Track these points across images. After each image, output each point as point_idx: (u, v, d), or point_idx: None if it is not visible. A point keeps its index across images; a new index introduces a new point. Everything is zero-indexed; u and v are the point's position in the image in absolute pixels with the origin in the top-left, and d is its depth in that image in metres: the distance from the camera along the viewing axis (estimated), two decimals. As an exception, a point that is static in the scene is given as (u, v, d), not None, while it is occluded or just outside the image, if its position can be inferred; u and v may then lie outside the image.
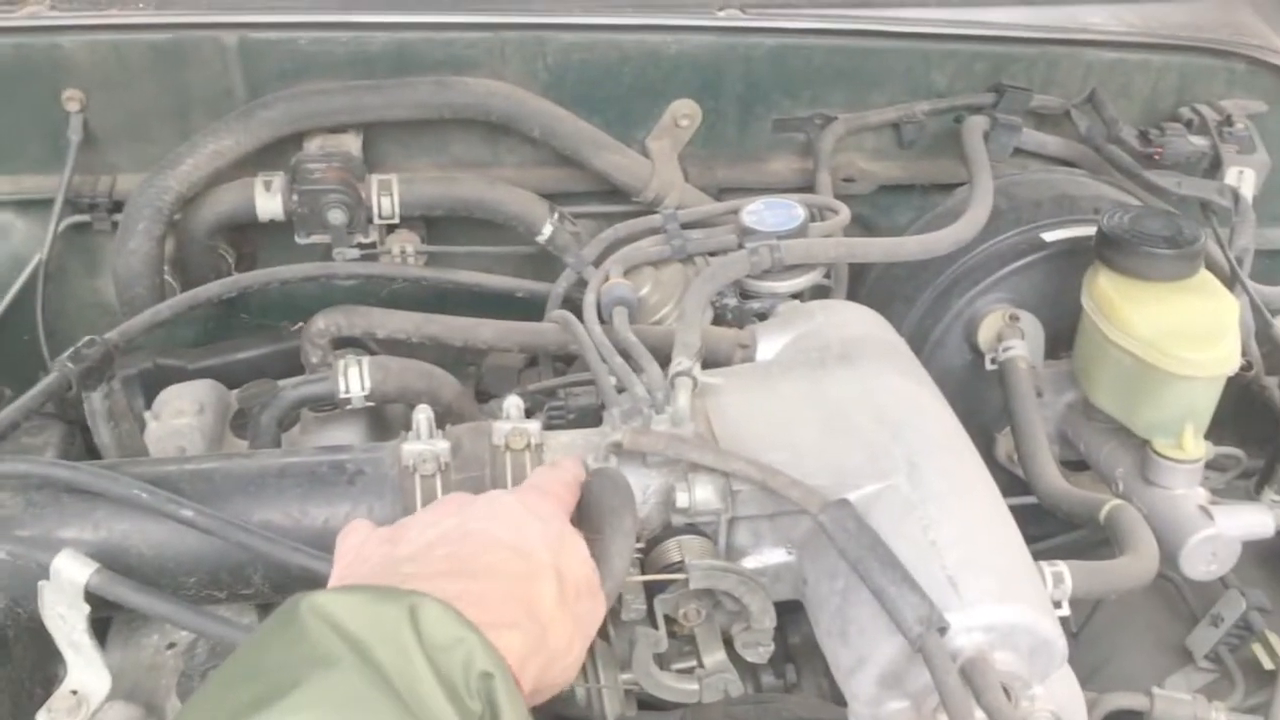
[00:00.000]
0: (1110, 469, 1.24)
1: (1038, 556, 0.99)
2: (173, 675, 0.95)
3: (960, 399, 1.31)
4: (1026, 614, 0.84)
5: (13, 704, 0.89)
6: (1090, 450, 1.29)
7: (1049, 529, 1.26)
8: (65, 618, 0.87)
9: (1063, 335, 1.31)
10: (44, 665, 0.91)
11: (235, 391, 1.26)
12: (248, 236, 1.39)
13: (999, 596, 0.84)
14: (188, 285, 1.29)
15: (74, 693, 0.89)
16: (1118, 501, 1.06)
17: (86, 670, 0.89)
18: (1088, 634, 1.37)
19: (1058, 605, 0.96)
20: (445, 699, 0.57)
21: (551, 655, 0.70)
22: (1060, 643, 0.85)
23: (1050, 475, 1.17)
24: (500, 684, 0.59)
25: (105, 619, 0.97)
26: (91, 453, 1.10)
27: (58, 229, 1.30)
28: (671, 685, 0.91)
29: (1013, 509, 1.17)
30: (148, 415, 1.20)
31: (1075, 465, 1.35)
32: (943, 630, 0.81)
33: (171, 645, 0.98)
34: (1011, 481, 1.30)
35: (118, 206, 1.30)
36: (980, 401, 1.35)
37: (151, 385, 1.28)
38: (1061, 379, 1.33)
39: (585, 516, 0.89)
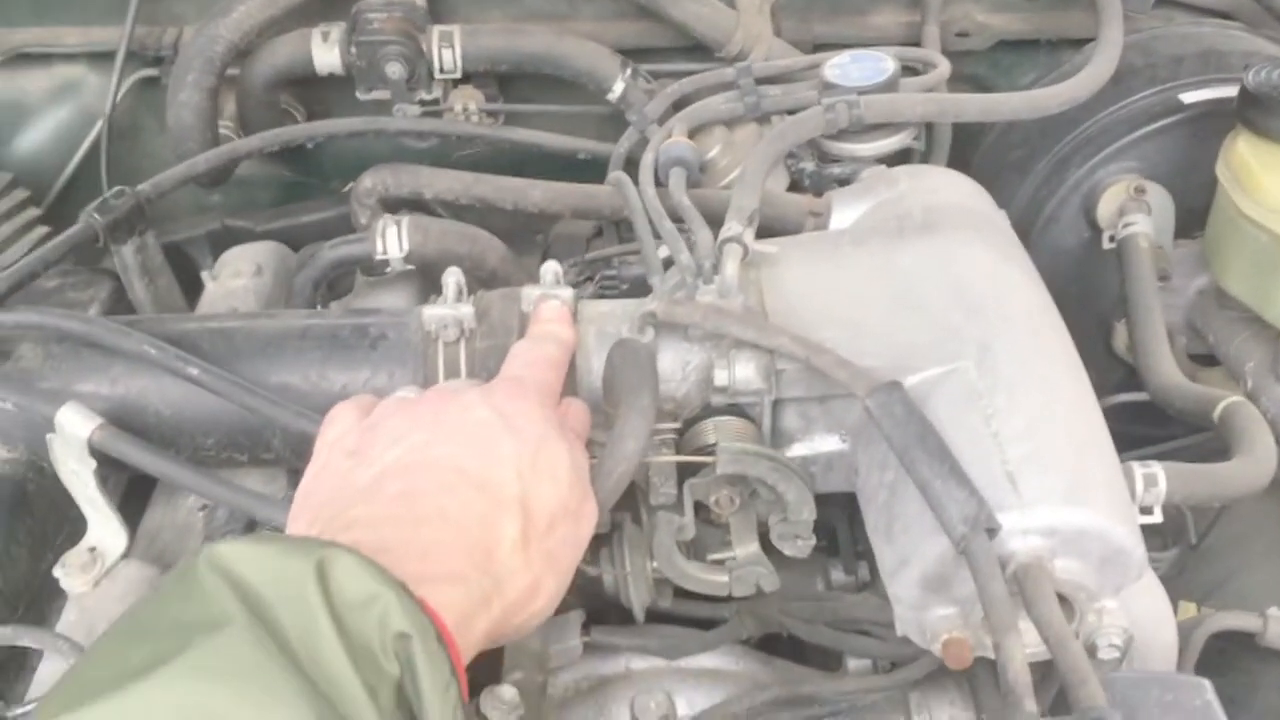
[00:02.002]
0: (1240, 363, 1.09)
1: (1156, 458, 0.88)
2: (199, 537, 0.93)
3: (1076, 284, 1.19)
4: (1094, 518, 0.73)
5: (32, 557, 0.89)
6: (1220, 342, 1.14)
7: (1173, 430, 1.13)
8: (77, 473, 0.85)
9: (1199, 212, 1.16)
10: (68, 521, 0.90)
11: (297, 254, 1.23)
12: (314, 92, 1.34)
13: (1065, 497, 0.74)
14: (256, 142, 1.25)
15: (91, 549, 0.88)
16: (1235, 398, 0.93)
17: (104, 527, 0.88)
18: (1208, 546, 1.23)
19: (1149, 511, 0.86)
20: (349, 663, 0.52)
21: (509, 605, 0.65)
22: (1138, 552, 0.75)
23: (1165, 368, 1.04)
24: (419, 645, 0.54)
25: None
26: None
27: (123, 83, 1.27)
28: (697, 575, 0.84)
29: (1131, 406, 1.05)
30: (205, 275, 1.18)
31: (1205, 360, 1.20)
32: (992, 531, 0.71)
33: (204, 507, 0.96)
34: (1130, 375, 1.17)
35: (180, 57, 1.26)
36: (1098, 286, 1.21)
37: (220, 246, 1.26)
38: (1193, 261, 1.17)
39: (609, 391, 0.83)
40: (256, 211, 1.32)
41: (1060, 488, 0.74)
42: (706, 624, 0.96)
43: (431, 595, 0.57)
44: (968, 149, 1.26)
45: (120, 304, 1.07)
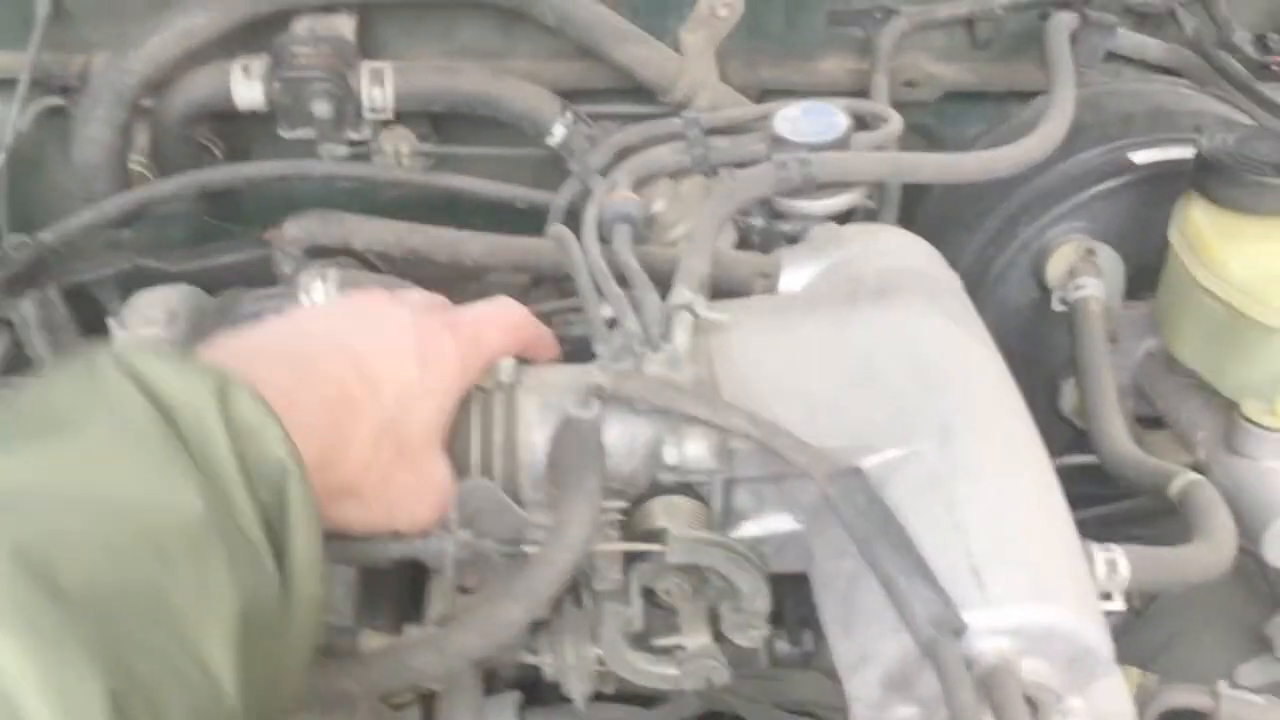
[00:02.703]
0: (1190, 432, 1.07)
1: (1098, 522, 0.86)
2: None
3: (1023, 342, 1.17)
4: (1063, 617, 0.70)
5: None
6: (1169, 408, 1.12)
7: (1112, 489, 1.12)
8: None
9: (1147, 273, 1.14)
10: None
11: (213, 300, 1.15)
12: (237, 128, 1.26)
13: (1031, 594, 0.71)
14: (168, 178, 1.18)
15: None
16: (1194, 477, 0.91)
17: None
18: (1152, 611, 1.22)
19: (1109, 597, 0.83)
20: (238, 473, 0.55)
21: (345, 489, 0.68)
22: (1105, 650, 0.72)
23: (1118, 437, 1.01)
24: (295, 478, 0.57)
25: None
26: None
27: (28, 112, 1.18)
28: (646, 669, 0.80)
29: (1075, 468, 1.03)
30: (112, 323, 1.10)
31: (1150, 422, 1.19)
32: (958, 633, 0.68)
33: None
34: (1076, 436, 1.15)
35: (89, 88, 1.18)
36: (1046, 346, 1.19)
37: (130, 287, 1.18)
38: (1141, 324, 1.15)
39: (550, 469, 0.78)
40: (169, 250, 1.24)
41: (1027, 584, 0.71)
42: (647, 699, 0.92)
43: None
44: (913, 203, 1.23)
45: (18, 357, 0.99)
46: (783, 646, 0.96)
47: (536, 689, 0.91)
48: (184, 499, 0.51)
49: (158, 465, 0.52)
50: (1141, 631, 1.19)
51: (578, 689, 0.82)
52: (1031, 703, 0.71)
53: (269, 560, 0.55)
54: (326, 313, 0.75)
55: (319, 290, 0.95)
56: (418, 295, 0.86)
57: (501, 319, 0.84)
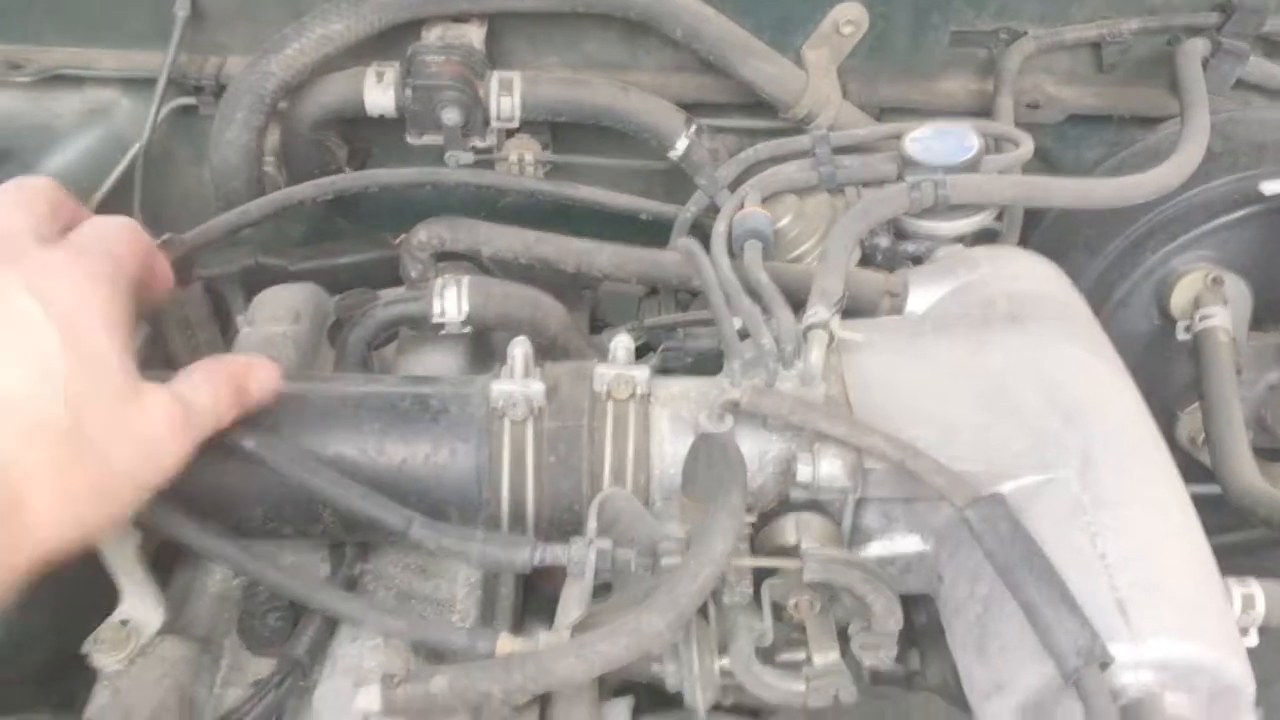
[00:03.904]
0: (1316, 467, 1.06)
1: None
2: (235, 609, 0.88)
3: (1142, 370, 1.14)
4: (1211, 654, 0.70)
5: (55, 623, 0.83)
6: (1293, 441, 1.10)
7: (1225, 520, 1.10)
8: (118, 541, 0.80)
9: (1274, 303, 1.12)
10: (100, 591, 0.85)
11: (335, 299, 1.17)
12: (360, 132, 1.28)
13: (1179, 629, 0.70)
14: (294, 179, 1.20)
15: (124, 623, 0.82)
16: (1332, 516, 0.89)
17: (139, 600, 0.82)
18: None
19: (1244, 633, 0.82)
20: None
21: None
22: (1249, 687, 0.71)
23: (1246, 470, 1.00)
24: None
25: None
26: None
27: (160, 111, 1.21)
28: (773, 684, 0.79)
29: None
30: (240, 319, 1.13)
31: (1270, 454, 1.17)
32: (1104, 665, 0.67)
33: (239, 576, 0.91)
34: (1189, 465, 1.13)
35: (225, 90, 1.20)
36: (1165, 375, 1.17)
37: (252, 283, 1.20)
38: (1267, 356, 1.14)
39: (690, 484, 0.78)
40: (289, 247, 1.27)
41: (1175, 620, 0.70)
42: (756, 713, 0.92)
43: None
44: (1028, 225, 1.22)
45: (154, 352, 1.01)
46: (887, 664, 0.96)
47: (637, 695, 0.91)
48: None
49: None
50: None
51: (702, 699, 0.82)
52: (1174, 737, 0.70)
53: None
54: None
55: (453, 297, 0.97)
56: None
57: (120, 232, 0.71)
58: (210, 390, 0.72)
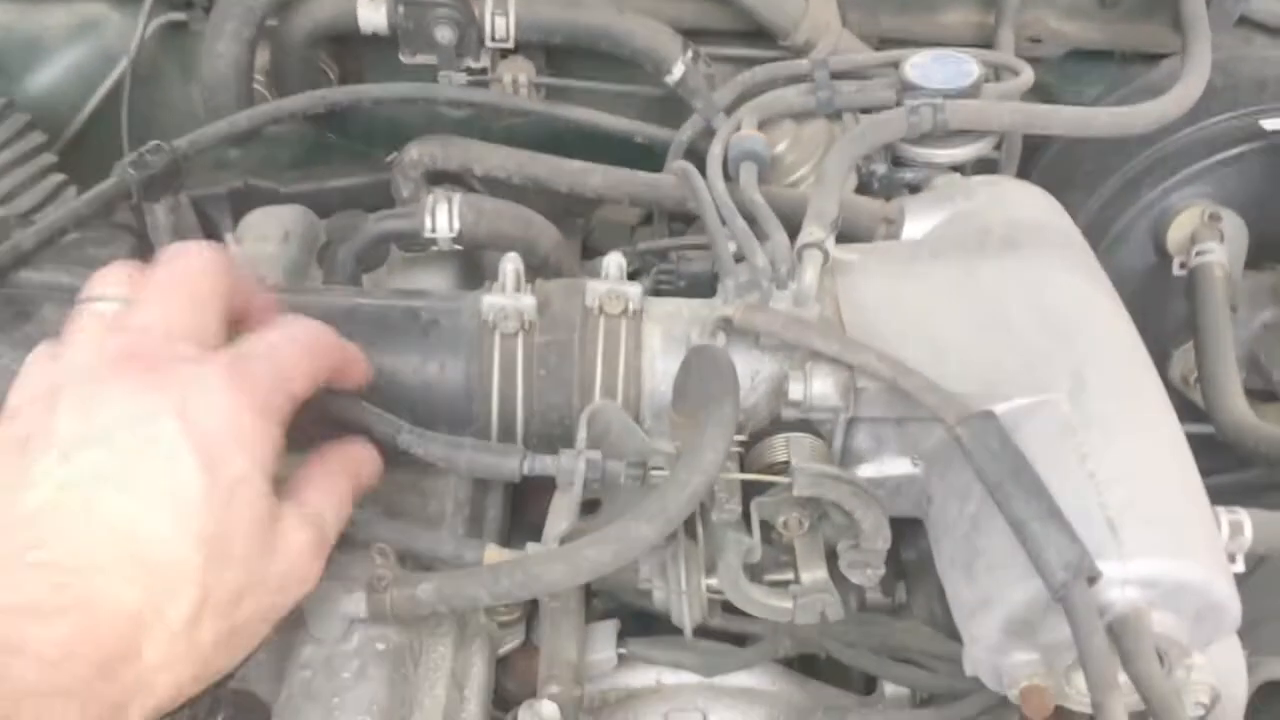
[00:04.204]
0: (1307, 405, 1.06)
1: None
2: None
3: (1137, 307, 1.14)
4: (1198, 572, 0.69)
5: None
6: (1285, 380, 1.10)
7: (1217, 463, 1.10)
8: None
9: (1271, 242, 1.12)
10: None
11: (325, 221, 1.16)
12: (352, 51, 1.26)
13: (1167, 547, 0.70)
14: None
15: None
16: (1320, 447, 0.89)
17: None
18: (1248, 585, 1.20)
19: (1231, 559, 0.82)
20: None
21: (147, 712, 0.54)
22: (1234, 607, 0.71)
23: (1237, 405, 1.00)
24: None
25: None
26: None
27: (149, 26, 1.19)
28: (761, 601, 0.79)
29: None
30: (229, 238, 1.12)
31: (1262, 395, 1.17)
32: (1092, 580, 0.67)
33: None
34: (1182, 406, 1.13)
35: (214, 4, 1.18)
36: (1160, 311, 1.17)
37: (241, 205, 1.19)
38: (1261, 293, 1.14)
39: (680, 398, 0.78)
40: (278, 171, 1.25)
41: (1163, 539, 0.70)
42: (740, 639, 0.92)
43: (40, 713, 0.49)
44: (1027, 159, 1.21)
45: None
46: (874, 596, 0.96)
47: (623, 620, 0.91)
48: None
49: None
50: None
51: (689, 619, 0.82)
52: (1159, 654, 0.70)
53: None
54: (73, 442, 0.54)
55: (444, 214, 0.96)
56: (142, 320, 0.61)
57: (302, 340, 0.67)
58: (337, 500, 0.67)
